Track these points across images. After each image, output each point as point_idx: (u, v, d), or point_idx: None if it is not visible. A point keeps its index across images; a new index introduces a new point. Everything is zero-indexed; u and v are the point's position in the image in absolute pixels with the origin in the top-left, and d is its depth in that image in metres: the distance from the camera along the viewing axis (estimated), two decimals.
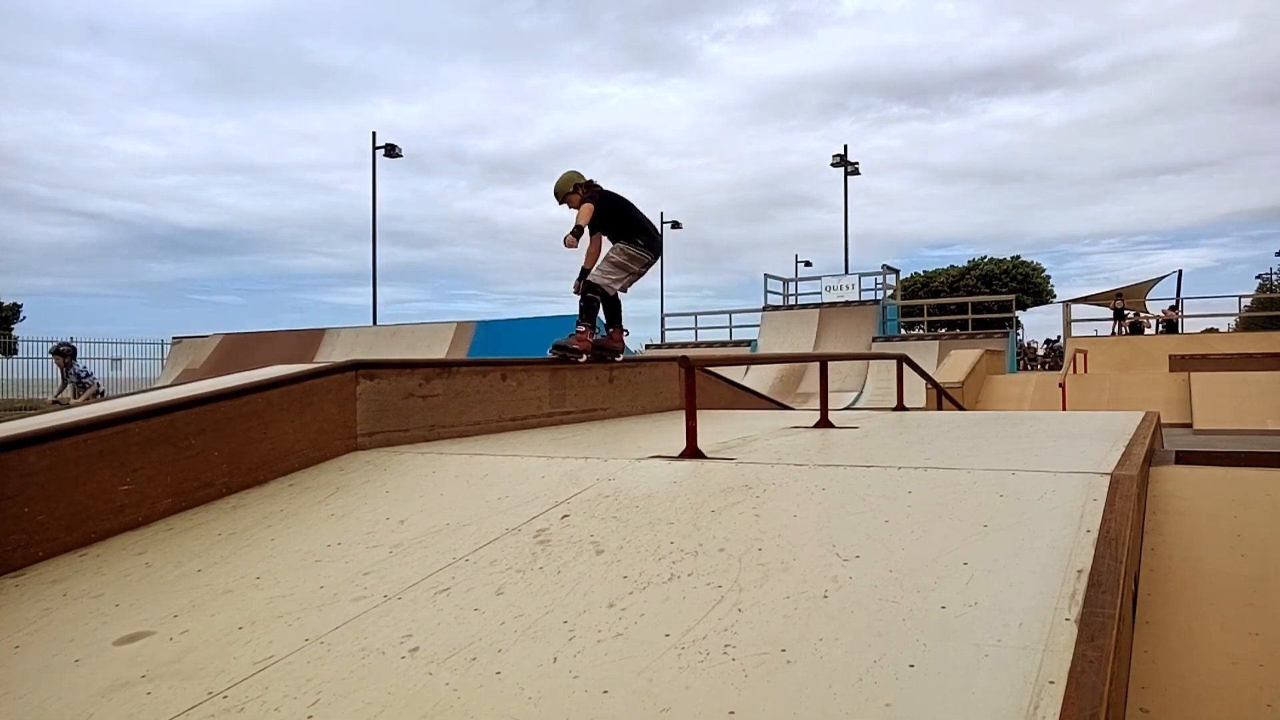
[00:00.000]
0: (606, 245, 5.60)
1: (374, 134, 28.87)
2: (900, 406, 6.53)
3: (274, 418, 3.20)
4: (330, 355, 21.78)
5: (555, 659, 1.62)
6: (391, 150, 28.74)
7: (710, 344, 26.34)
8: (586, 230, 5.50)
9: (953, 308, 31.49)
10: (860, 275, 25.34)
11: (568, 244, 5.48)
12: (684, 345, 26.59)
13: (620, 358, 5.63)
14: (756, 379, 17.97)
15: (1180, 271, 23.88)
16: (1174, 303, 23.51)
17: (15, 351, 25.86)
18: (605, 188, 5.58)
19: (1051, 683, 1.36)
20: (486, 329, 21.62)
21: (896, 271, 27.13)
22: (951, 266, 52.02)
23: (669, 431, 4.09)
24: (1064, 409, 13.87)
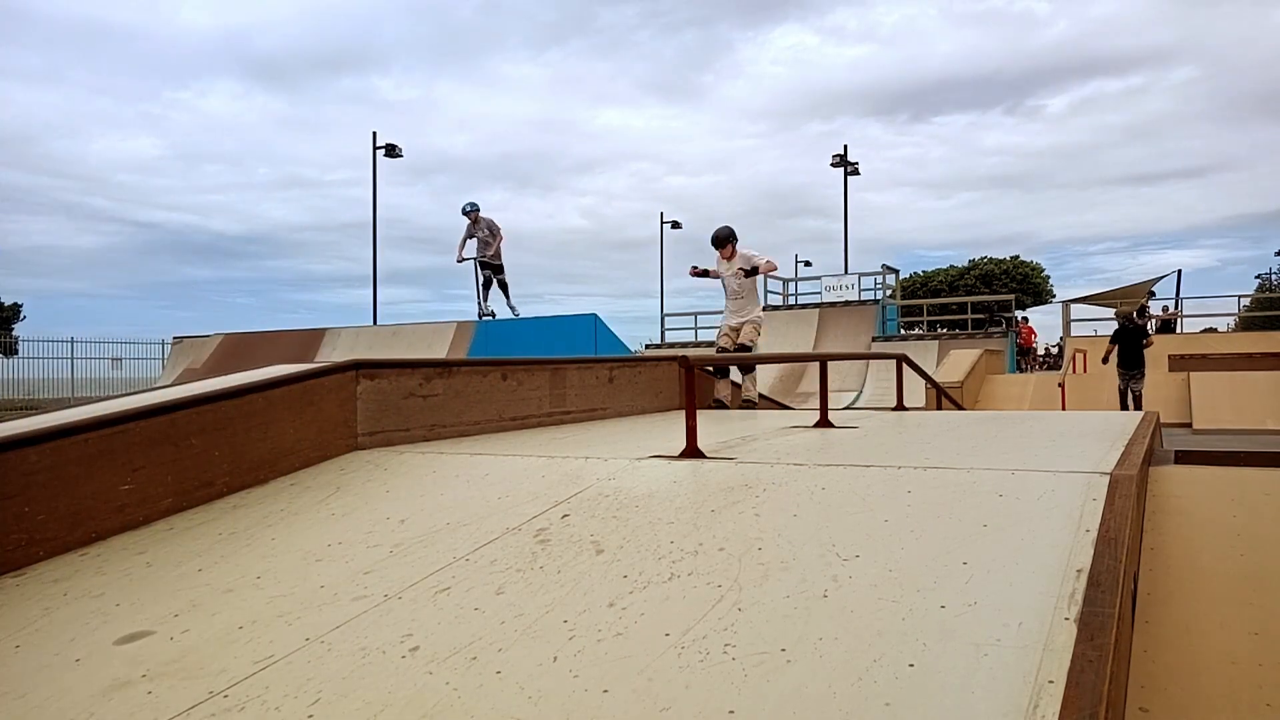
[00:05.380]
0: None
1: (374, 134, 28.86)
2: (900, 406, 6.53)
3: (275, 417, 3.20)
4: (330, 355, 21.72)
5: (555, 658, 1.62)
6: (391, 150, 28.74)
7: (710, 344, 26.31)
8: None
9: (953, 307, 31.47)
10: (860, 275, 25.26)
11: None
12: (684, 345, 26.55)
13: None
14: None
15: (1180, 271, 23.91)
16: (1173, 302, 23.48)
17: (15, 351, 25.81)
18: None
19: (1051, 682, 1.36)
20: (487, 329, 21.54)
21: (896, 271, 27.08)
22: (951, 266, 51.97)
23: (669, 431, 4.09)
24: (1063, 409, 13.87)
